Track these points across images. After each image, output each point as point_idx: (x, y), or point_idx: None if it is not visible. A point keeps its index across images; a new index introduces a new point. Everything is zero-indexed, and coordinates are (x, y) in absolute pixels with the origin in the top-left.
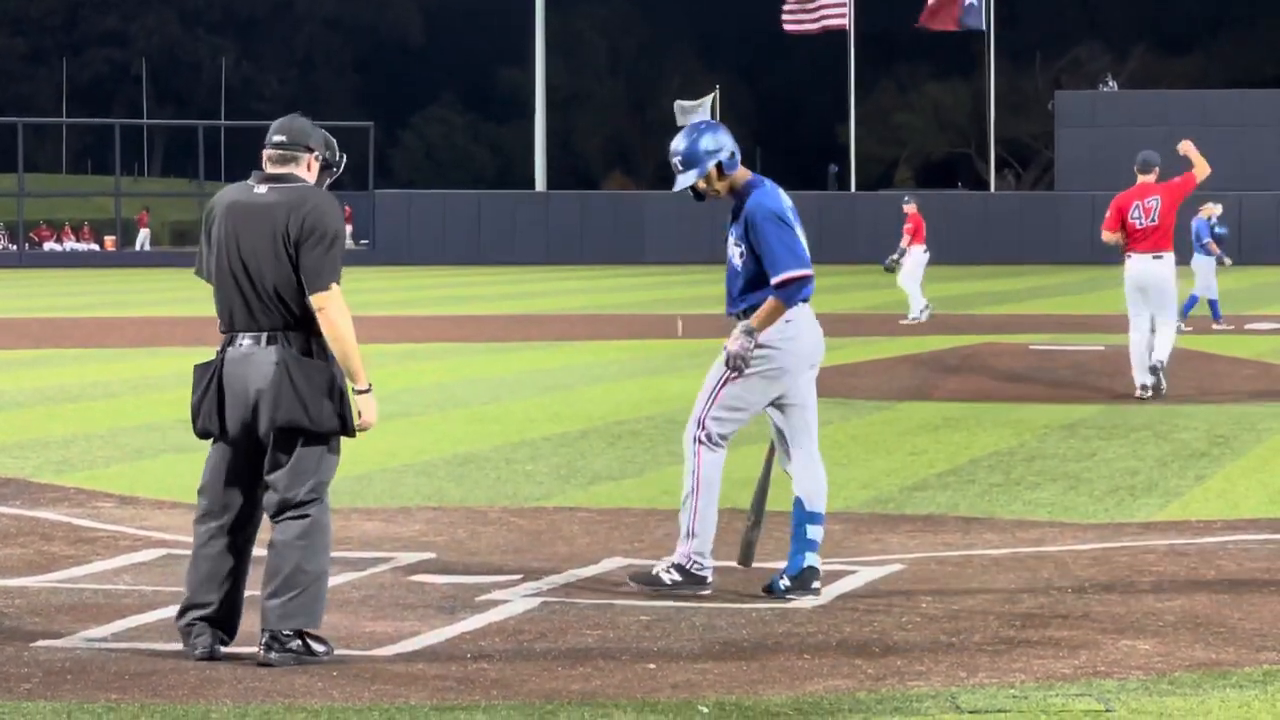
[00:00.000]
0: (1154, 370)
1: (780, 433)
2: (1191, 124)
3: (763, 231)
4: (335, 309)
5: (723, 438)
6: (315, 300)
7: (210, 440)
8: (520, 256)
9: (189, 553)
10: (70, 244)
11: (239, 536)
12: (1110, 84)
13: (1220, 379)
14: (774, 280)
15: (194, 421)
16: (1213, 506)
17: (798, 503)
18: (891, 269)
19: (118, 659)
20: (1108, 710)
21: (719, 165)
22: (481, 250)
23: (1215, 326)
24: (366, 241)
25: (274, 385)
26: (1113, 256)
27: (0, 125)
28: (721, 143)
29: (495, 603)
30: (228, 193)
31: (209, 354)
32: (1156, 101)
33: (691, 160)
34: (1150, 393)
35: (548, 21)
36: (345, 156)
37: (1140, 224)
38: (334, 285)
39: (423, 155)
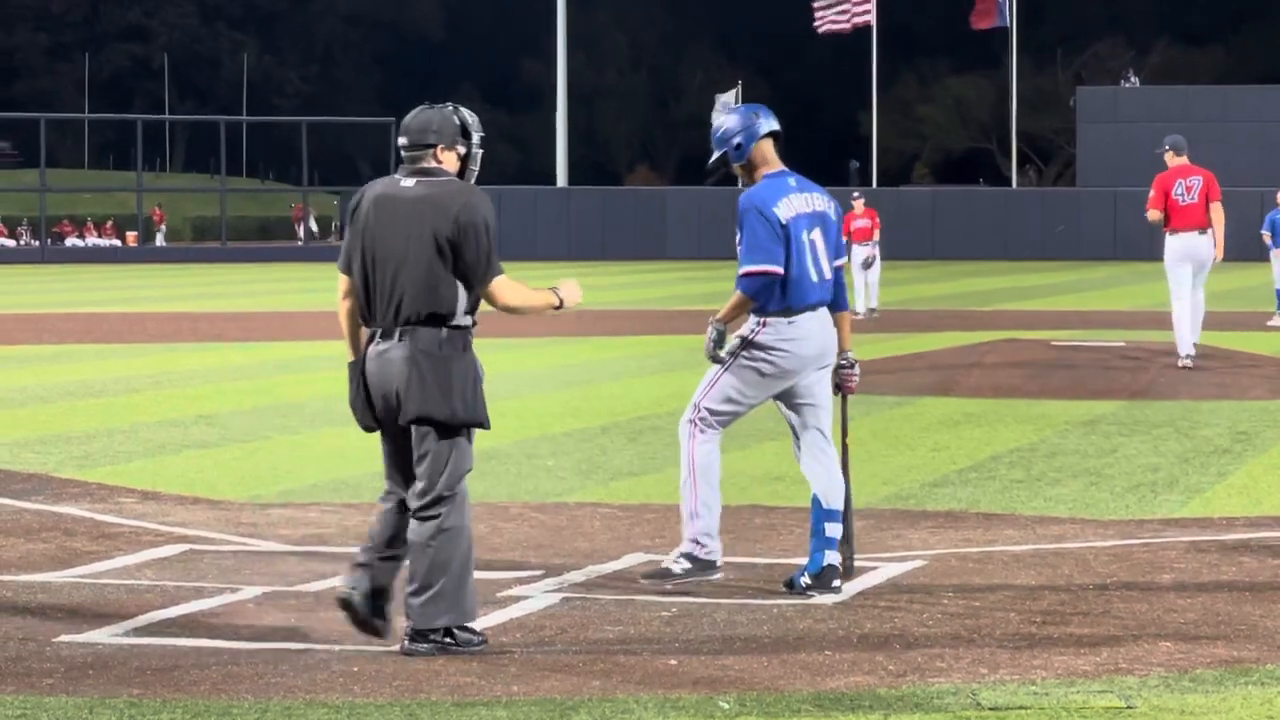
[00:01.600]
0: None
1: (794, 431)
2: (1213, 119)
3: (741, 223)
4: (507, 294)
5: (718, 421)
6: (485, 293)
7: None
8: (541, 252)
9: (211, 548)
10: (92, 239)
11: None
12: (1132, 79)
13: (1242, 375)
14: (738, 272)
15: (353, 415)
16: (1234, 503)
17: (815, 501)
18: (867, 265)
19: (140, 654)
20: (1129, 707)
21: (727, 152)
22: (502, 245)
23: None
24: None
25: (408, 380)
26: (1134, 251)
27: (23, 120)
28: (727, 129)
29: (516, 598)
30: (375, 186)
31: (225, 350)
32: (1178, 97)
33: (714, 142)
34: (1192, 364)
35: (569, 15)
36: (483, 136)
37: (1183, 201)
38: (498, 278)
39: None
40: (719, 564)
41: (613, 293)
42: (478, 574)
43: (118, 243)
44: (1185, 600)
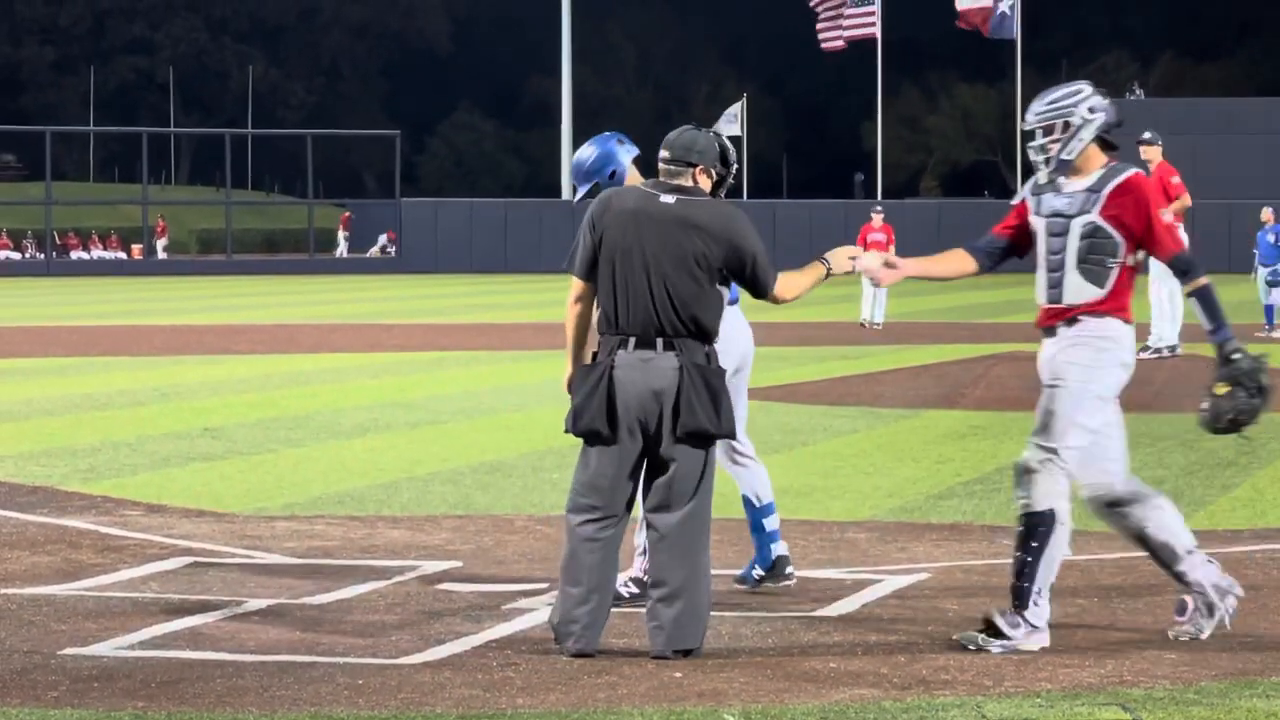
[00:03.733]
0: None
1: None
2: (1218, 131)
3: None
4: (788, 292)
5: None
6: (771, 297)
7: (585, 438)
8: (547, 264)
9: (216, 561)
10: (97, 252)
11: (615, 535)
12: (1137, 92)
13: None
14: None
15: (574, 421)
16: (1240, 515)
17: (746, 501)
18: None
19: (144, 667)
20: (1134, 719)
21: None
22: (508, 258)
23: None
24: (394, 248)
25: (681, 391)
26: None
27: (28, 134)
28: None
29: (521, 611)
30: (626, 198)
31: (231, 363)
32: (1183, 109)
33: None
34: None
35: (575, 29)
36: (736, 166)
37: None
38: (777, 281)
39: (450, 163)
40: None
41: None
42: (484, 586)
43: (123, 255)
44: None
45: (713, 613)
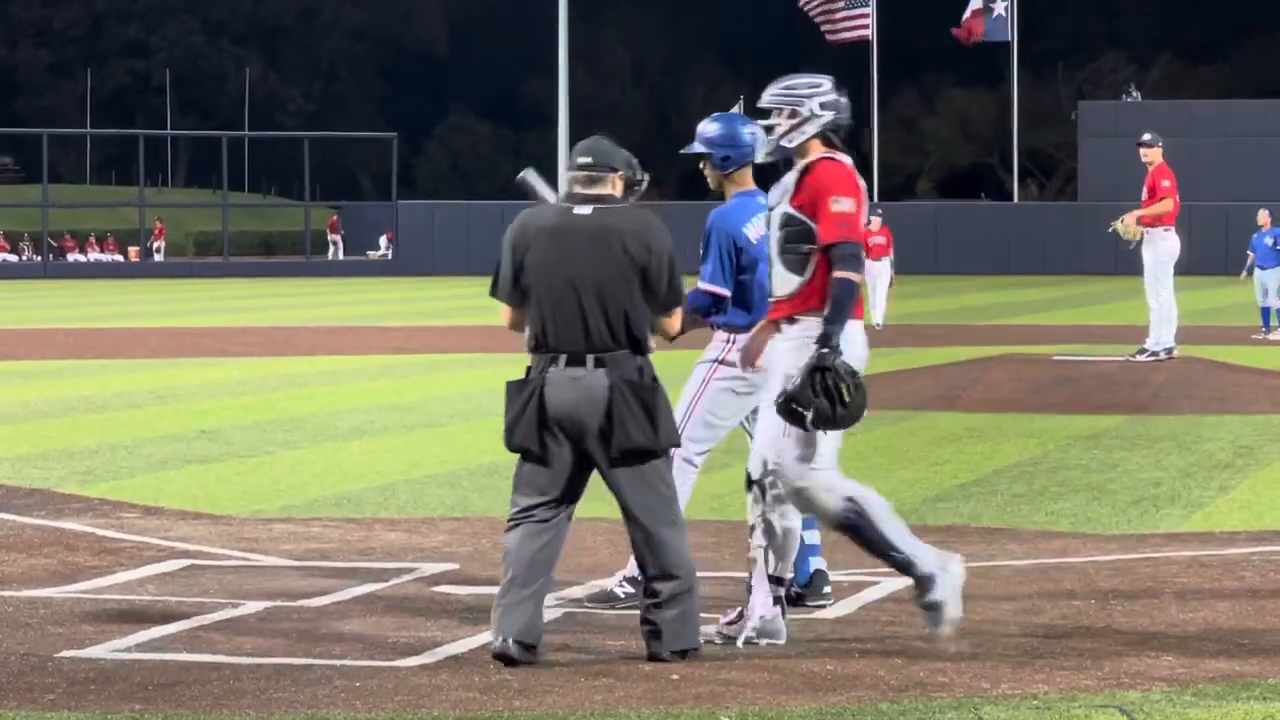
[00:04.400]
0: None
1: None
2: (1215, 134)
3: (706, 240)
4: (678, 324)
5: (698, 456)
6: (662, 320)
7: (519, 454)
8: None
9: (213, 563)
10: (94, 255)
11: (552, 538)
12: (1134, 94)
13: (1244, 389)
14: (696, 285)
15: (509, 437)
16: (1236, 517)
17: None
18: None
19: (141, 669)
20: None
21: (712, 155)
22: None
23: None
24: (390, 250)
25: (613, 410)
26: (1136, 265)
27: (25, 136)
28: (714, 140)
29: None
30: (543, 216)
31: (228, 365)
32: (1180, 111)
33: (702, 139)
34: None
35: (572, 32)
36: (647, 176)
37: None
38: (678, 308)
39: (447, 166)
40: None
41: None
42: (481, 589)
43: (119, 258)
44: (1187, 615)
45: (711, 615)
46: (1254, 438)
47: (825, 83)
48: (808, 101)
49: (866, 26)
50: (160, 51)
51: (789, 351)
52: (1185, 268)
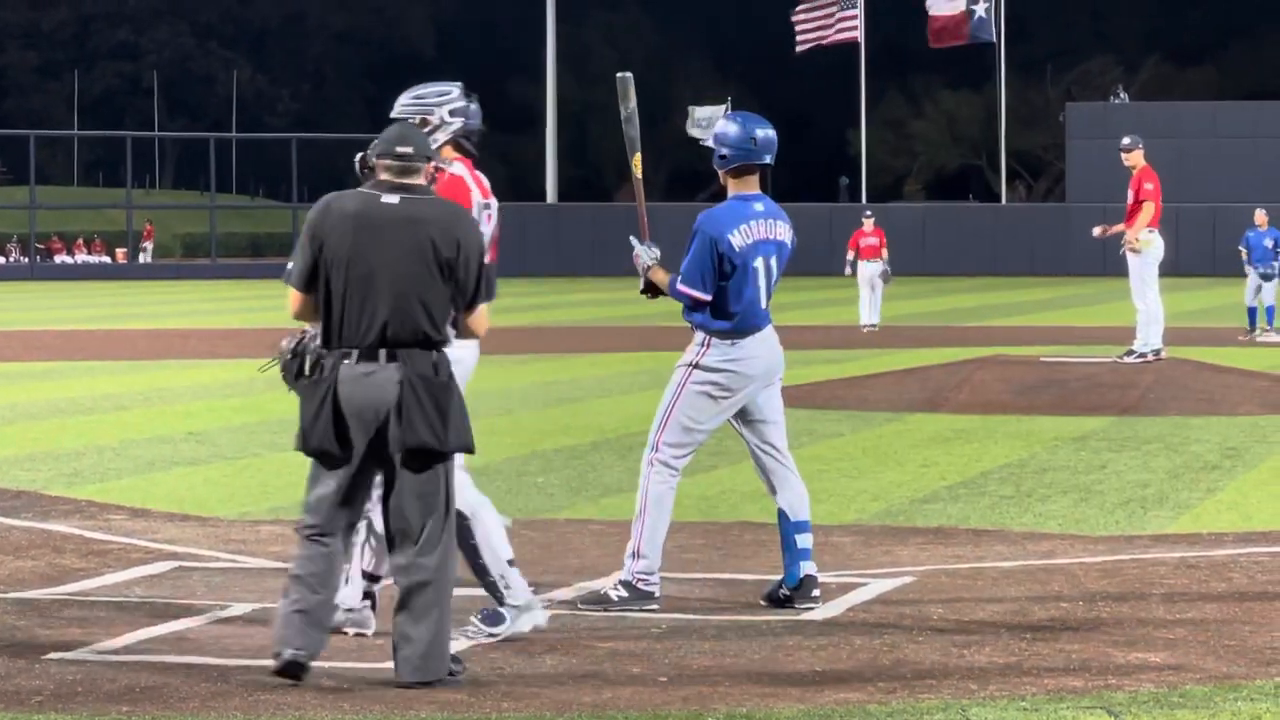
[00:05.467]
0: None
1: (753, 450)
2: (1203, 135)
3: (691, 239)
4: (485, 323)
5: (676, 459)
6: (476, 312)
7: (316, 458)
8: (532, 268)
9: (201, 565)
10: (81, 256)
11: (339, 552)
12: (1121, 95)
13: (1231, 391)
14: (677, 284)
15: (304, 440)
16: (1224, 519)
17: (782, 515)
18: (886, 280)
19: (129, 672)
20: None
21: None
22: None
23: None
24: None
25: (403, 405)
26: (1123, 267)
27: (12, 138)
28: (727, 136)
29: None
30: (346, 202)
31: (215, 367)
32: (1168, 113)
33: (714, 135)
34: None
35: (559, 33)
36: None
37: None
38: (484, 304)
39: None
40: (658, 595)
41: (603, 309)
42: (468, 590)
43: (107, 260)
44: (1175, 616)
45: (697, 617)
46: (1241, 439)
47: (454, 90)
48: (437, 110)
49: (855, 29)
50: (149, 54)
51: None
52: (1173, 269)
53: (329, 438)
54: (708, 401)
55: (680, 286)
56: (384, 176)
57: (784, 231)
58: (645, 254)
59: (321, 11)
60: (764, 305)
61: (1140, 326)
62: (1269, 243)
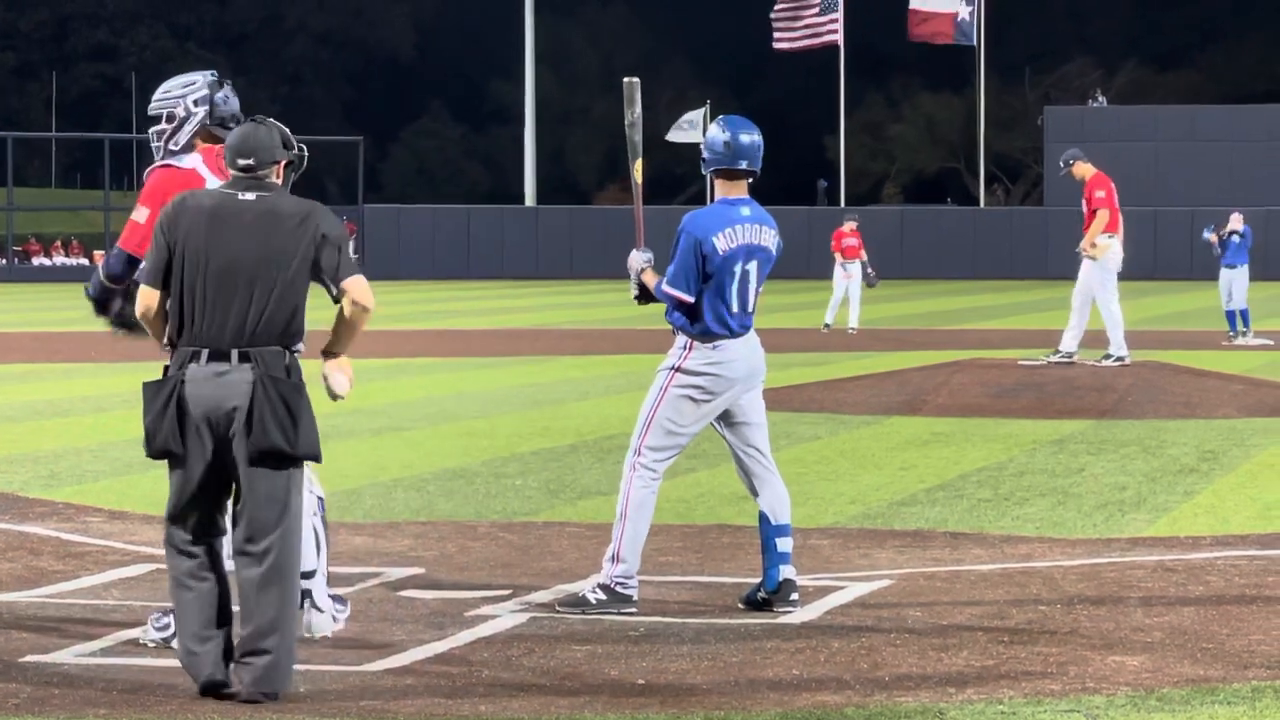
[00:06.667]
0: None
1: (735, 452)
2: (1181, 139)
3: (676, 240)
4: (367, 292)
5: (658, 463)
6: (343, 291)
7: (168, 461)
8: (510, 271)
9: None
10: (59, 259)
11: (213, 560)
12: (1100, 99)
13: (1209, 394)
14: (662, 285)
15: (149, 443)
16: (1201, 522)
17: (763, 518)
18: (872, 284)
19: (106, 674)
20: None
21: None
22: (471, 265)
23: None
24: (358, 255)
25: (254, 407)
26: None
27: None
28: (712, 140)
29: (484, 618)
30: (202, 198)
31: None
32: (1146, 117)
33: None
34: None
35: (538, 35)
36: (305, 150)
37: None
38: (355, 275)
39: (413, 169)
40: (635, 599)
41: (581, 311)
42: (446, 593)
43: (85, 262)
44: (1152, 619)
45: (675, 619)
46: (1219, 442)
47: (199, 79)
48: (183, 101)
49: (836, 32)
50: (128, 55)
51: None
52: (1151, 272)
53: (174, 439)
54: (690, 405)
55: (665, 287)
56: (241, 174)
57: (769, 238)
58: (638, 258)
59: (300, 13)
60: (748, 310)
61: (1109, 330)
62: (1237, 239)
